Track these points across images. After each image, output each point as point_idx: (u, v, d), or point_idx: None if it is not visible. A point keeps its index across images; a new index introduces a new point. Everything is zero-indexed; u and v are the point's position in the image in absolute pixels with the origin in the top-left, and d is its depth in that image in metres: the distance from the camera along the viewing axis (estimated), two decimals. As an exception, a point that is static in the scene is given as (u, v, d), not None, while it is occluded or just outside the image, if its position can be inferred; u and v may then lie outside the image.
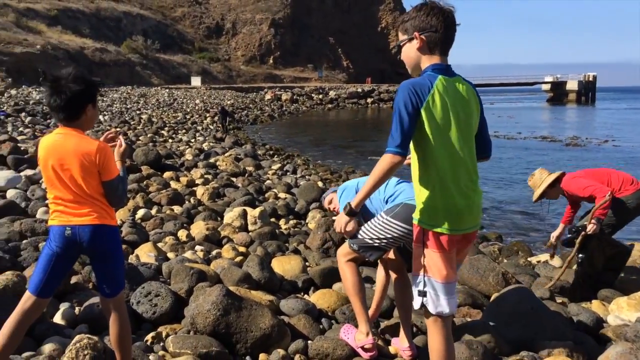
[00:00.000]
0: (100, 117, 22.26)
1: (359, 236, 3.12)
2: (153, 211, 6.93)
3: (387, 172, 2.43)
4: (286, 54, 77.39)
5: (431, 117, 2.38)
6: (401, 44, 2.55)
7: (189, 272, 3.99)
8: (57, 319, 3.42)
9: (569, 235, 4.80)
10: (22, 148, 10.26)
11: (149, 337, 3.30)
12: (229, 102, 39.93)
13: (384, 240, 3.08)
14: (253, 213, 6.56)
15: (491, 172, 15.17)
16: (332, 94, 58.93)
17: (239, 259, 4.97)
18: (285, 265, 4.85)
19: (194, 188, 8.94)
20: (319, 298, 4.11)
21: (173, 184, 9.14)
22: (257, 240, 5.70)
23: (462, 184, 2.45)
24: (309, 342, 3.34)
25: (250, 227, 6.38)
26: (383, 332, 3.64)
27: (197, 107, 33.92)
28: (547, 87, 76.78)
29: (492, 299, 4.07)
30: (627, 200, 4.72)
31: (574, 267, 4.77)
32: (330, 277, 4.54)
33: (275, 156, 17.06)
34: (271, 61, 76.26)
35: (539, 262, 5.94)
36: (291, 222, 7.25)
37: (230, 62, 73.84)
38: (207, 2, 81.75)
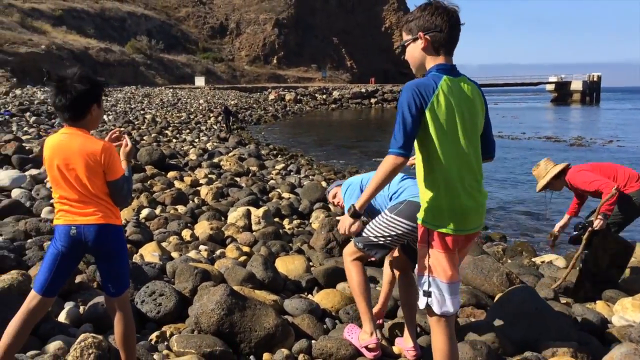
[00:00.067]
0: (105, 117, 22.30)
1: (364, 234, 3.13)
2: (157, 211, 6.94)
3: (390, 173, 2.43)
4: (290, 54, 77.43)
5: (436, 117, 2.38)
6: (405, 44, 2.55)
7: (193, 271, 4.00)
8: (62, 318, 3.43)
9: (575, 233, 4.78)
10: (26, 147, 10.30)
11: (153, 336, 3.31)
12: (232, 102, 39.97)
13: (389, 238, 3.08)
14: (257, 213, 6.57)
15: (495, 172, 15.15)
16: (335, 94, 58.93)
17: (242, 258, 4.98)
18: (289, 265, 4.85)
19: (198, 188, 8.95)
20: (323, 298, 4.11)
21: (177, 184, 9.15)
22: (261, 240, 5.70)
23: (467, 184, 2.45)
24: (313, 341, 3.34)
25: (254, 227, 6.38)
26: (392, 329, 3.62)
27: (201, 107, 33.98)
28: (551, 87, 76.56)
29: (496, 299, 4.07)
30: (633, 197, 4.68)
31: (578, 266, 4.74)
32: (334, 277, 4.54)
33: (279, 156, 17.07)
34: (275, 61, 76.31)
35: (543, 262, 5.92)
36: (295, 222, 7.25)
37: (234, 62, 73.92)
38: (211, 2, 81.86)
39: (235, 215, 6.59)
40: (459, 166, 2.44)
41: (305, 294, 4.44)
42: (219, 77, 65.54)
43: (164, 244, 5.32)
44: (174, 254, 5.05)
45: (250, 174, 11.32)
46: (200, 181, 9.61)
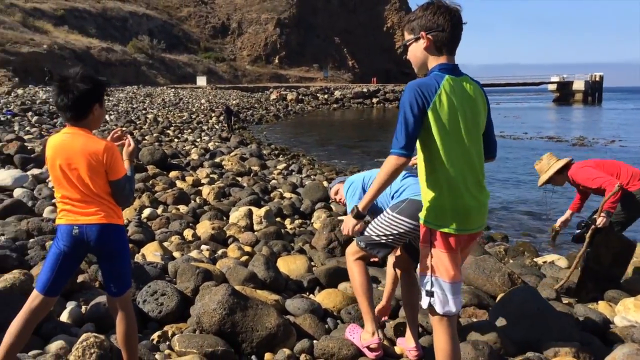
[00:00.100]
0: (106, 116, 22.33)
1: (366, 233, 3.13)
2: (159, 210, 6.95)
3: (392, 174, 2.43)
4: (292, 53, 77.42)
5: (438, 117, 2.38)
6: (407, 44, 2.54)
7: (194, 271, 4.00)
8: (64, 317, 3.43)
9: (578, 231, 4.76)
10: (29, 147, 10.32)
11: (155, 336, 3.31)
12: (234, 102, 39.98)
13: (391, 237, 3.08)
14: (258, 213, 6.57)
15: (497, 172, 15.13)
16: (337, 93, 58.91)
17: (244, 258, 4.98)
18: (290, 265, 4.86)
19: (200, 187, 8.95)
20: (325, 298, 4.11)
21: (179, 184, 9.16)
22: (263, 240, 5.71)
23: (469, 184, 2.45)
24: (315, 341, 3.34)
25: (255, 227, 6.38)
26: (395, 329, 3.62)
27: (202, 107, 33.99)
28: (553, 87, 76.44)
29: (498, 299, 4.06)
30: (637, 195, 4.65)
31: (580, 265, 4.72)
32: (336, 277, 4.54)
33: (281, 156, 17.08)
34: (277, 61, 76.31)
35: (545, 262, 5.92)
36: (296, 221, 7.25)
37: (236, 61, 73.92)
38: (212, 2, 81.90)
39: (237, 215, 6.59)
40: (462, 166, 2.43)
41: (307, 293, 4.44)
42: (221, 76, 65.55)
43: (165, 244, 5.33)
44: (176, 254, 5.06)
45: (251, 174, 11.33)
46: (202, 181, 9.62)
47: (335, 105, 55.73)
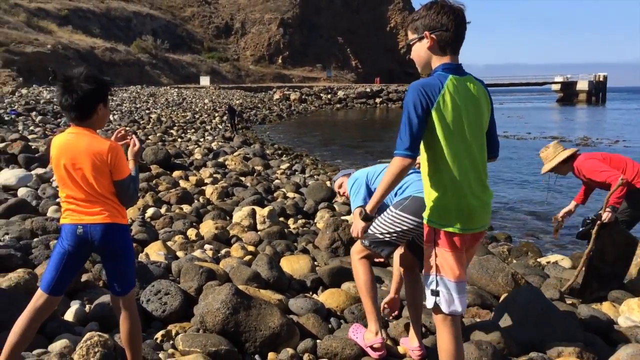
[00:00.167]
0: (110, 116, 22.38)
1: (370, 231, 3.12)
2: (162, 210, 6.96)
3: (398, 176, 2.43)
4: (295, 53, 77.45)
5: (442, 117, 2.38)
6: (411, 43, 2.54)
7: (198, 270, 4.01)
8: (68, 316, 3.44)
9: (582, 228, 4.73)
10: (33, 147, 10.35)
11: (158, 335, 3.32)
12: (237, 102, 40.00)
13: (394, 235, 3.08)
14: (262, 212, 6.57)
15: (501, 172, 15.11)
16: (340, 93, 58.88)
17: (247, 258, 4.98)
18: (294, 265, 4.86)
19: (203, 187, 8.96)
20: (328, 297, 4.11)
21: (182, 183, 9.18)
22: (266, 240, 5.71)
23: (473, 183, 2.45)
24: (318, 341, 3.34)
25: (259, 227, 6.39)
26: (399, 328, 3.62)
27: (206, 107, 34.02)
28: (557, 87, 76.24)
29: (501, 299, 4.06)
30: None
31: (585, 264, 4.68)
32: (339, 276, 4.54)
33: (284, 156, 17.08)
34: (280, 61, 76.36)
35: (548, 263, 5.90)
36: (300, 221, 7.25)
37: (239, 61, 74.00)
38: (216, 2, 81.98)
39: (240, 214, 6.60)
40: (465, 165, 2.43)
41: (310, 293, 4.44)
42: (224, 76, 65.62)
43: (169, 243, 5.34)
44: (179, 253, 5.06)
45: (255, 174, 11.33)
46: (205, 180, 9.63)
47: (338, 105, 55.71)
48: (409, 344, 3.31)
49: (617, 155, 4.96)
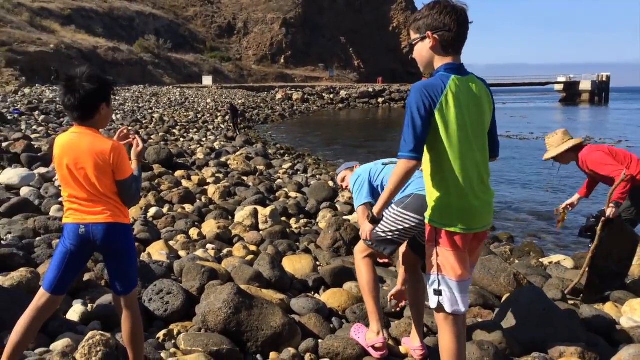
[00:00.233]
0: (113, 115, 22.40)
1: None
2: (165, 209, 6.97)
3: (404, 178, 2.43)
4: (297, 53, 77.43)
5: (444, 118, 2.38)
6: (414, 43, 2.54)
7: (200, 270, 4.01)
8: (71, 315, 3.45)
9: (585, 225, 4.71)
10: (35, 146, 10.37)
11: (160, 334, 3.32)
12: (240, 102, 40.01)
13: (397, 233, 3.08)
14: (264, 212, 6.58)
15: (503, 172, 15.08)
16: (343, 93, 58.86)
17: (249, 257, 4.98)
18: (296, 265, 4.86)
19: (205, 187, 8.98)
20: (330, 297, 4.11)
21: (184, 183, 9.19)
22: (268, 239, 5.72)
23: (475, 183, 2.45)
24: (320, 341, 3.35)
25: (261, 226, 6.39)
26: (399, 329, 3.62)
27: (208, 107, 34.04)
28: (559, 87, 76.05)
29: (503, 299, 4.05)
30: None
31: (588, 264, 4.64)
32: (341, 276, 4.54)
33: (286, 155, 17.09)
34: (282, 61, 76.33)
35: (550, 263, 5.89)
36: (302, 221, 7.25)
37: (242, 61, 74.00)
38: (219, 1, 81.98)
39: (242, 214, 6.60)
40: (467, 165, 2.43)
41: (312, 293, 4.44)
42: (227, 76, 65.63)
43: (171, 243, 5.34)
44: (182, 253, 5.07)
45: (257, 173, 11.34)
46: (208, 180, 9.64)
47: (340, 105, 55.67)
48: (411, 343, 3.31)
49: (622, 150, 4.93)
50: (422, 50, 2.51)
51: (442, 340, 2.55)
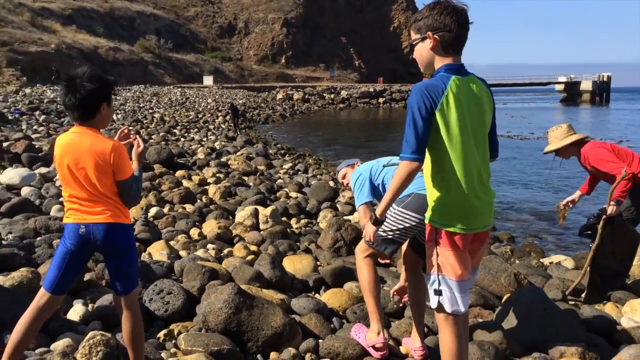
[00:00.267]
0: (113, 115, 22.40)
1: None
2: (165, 209, 6.97)
3: (407, 180, 2.43)
4: (298, 53, 77.44)
5: (445, 118, 2.38)
6: (414, 43, 2.54)
7: (200, 270, 4.01)
8: (71, 315, 3.45)
9: (586, 224, 4.70)
10: (36, 146, 10.38)
11: (161, 334, 3.32)
12: (241, 102, 40.02)
13: (397, 232, 3.08)
14: (264, 212, 6.58)
15: (504, 172, 15.08)
16: (343, 93, 58.86)
17: (250, 257, 4.99)
18: (296, 265, 4.86)
19: (206, 187, 8.98)
20: (330, 297, 4.11)
21: (185, 183, 9.19)
22: (269, 239, 5.71)
23: (475, 183, 2.45)
24: (320, 341, 3.35)
25: (261, 226, 6.39)
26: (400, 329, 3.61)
27: (209, 107, 34.05)
28: (560, 87, 76.00)
29: (504, 299, 4.05)
30: None
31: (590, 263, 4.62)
32: (341, 276, 4.54)
33: (287, 155, 17.09)
34: (283, 61, 76.34)
35: (551, 263, 5.89)
36: (302, 221, 7.25)
37: (243, 61, 74.01)
38: (219, 1, 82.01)
39: (243, 214, 6.60)
40: (468, 165, 2.43)
41: (313, 293, 4.44)
42: (227, 76, 65.64)
43: (172, 243, 5.34)
44: (182, 253, 5.07)
45: (258, 173, 11.34)
46: (208, 180, 9.64)
47: (341, 105, 55.67)
48: (411, 343, 3.30)
49: (625, 148, 4.91)
50: (422, 51, 2.51)
51: (443, 341, 2.55)
